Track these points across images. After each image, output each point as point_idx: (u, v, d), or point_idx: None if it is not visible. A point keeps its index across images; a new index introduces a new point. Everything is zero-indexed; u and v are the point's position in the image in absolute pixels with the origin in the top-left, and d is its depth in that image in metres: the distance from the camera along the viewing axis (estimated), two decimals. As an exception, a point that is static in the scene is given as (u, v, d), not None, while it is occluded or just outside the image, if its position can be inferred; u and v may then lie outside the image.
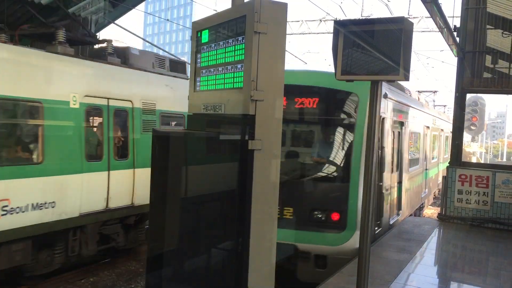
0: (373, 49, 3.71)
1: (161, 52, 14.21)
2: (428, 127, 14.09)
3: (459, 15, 11.23)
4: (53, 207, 8.02)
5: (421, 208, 13.98)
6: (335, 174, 7.59)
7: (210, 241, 3.37)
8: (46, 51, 8.36)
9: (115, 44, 10.44)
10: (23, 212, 7.52)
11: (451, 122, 11.68)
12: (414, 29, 3.87)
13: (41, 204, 7.82)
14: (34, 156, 7.87)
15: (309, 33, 25.38)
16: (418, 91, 19.45)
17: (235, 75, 3.02)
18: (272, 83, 2.90)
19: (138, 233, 10.53)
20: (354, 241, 6.86)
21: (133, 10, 15.75)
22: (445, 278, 7.00)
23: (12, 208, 7.35)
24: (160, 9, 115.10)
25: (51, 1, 11.02)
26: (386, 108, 8.27)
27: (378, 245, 8.04)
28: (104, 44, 10.05)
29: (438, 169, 17.53)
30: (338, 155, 7.63)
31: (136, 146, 9.92)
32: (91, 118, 9.24)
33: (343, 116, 7.64)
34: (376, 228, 8.04)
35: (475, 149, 32.03)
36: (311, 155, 8.04)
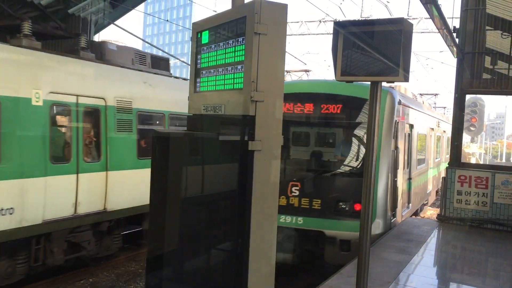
0: (373, 50, 3.72)
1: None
2: (432, 129, 15.19)
3: (459, 16, 11.26)
4: (11, 213, 7.36)
5: (425, 204, 14.86)
6: (356, 170, 8.43)
7: (210, 242, 3.38)
8: (10, 44, 7.82)
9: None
10: None
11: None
12: (413, 30, 3.87)
13: None
14: None
15: (309, 34, 25.40)
16: (420, 94, 19.91)
17: (235, 76, 3.02)
18: (272, 84, 2.90)
19: (113, 240, 9.84)
20: (374, 228, 8.08)
21: (133, 10, 15.76)
22: (444, 279, 7.00)
23: None
24: (159, 10, 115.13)
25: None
26: (399, 113, 9.27)
27: (378, 246, 8.04)
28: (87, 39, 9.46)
29: (441, 168, 18.02)
30: (359, 154, 8.53)
31: (109, 147, 9.20)
32: (58, 116, 8.50)
33: (362, 120, 8.45)
34: (391, 218, 8.98)
35: (474, 150, 32.07)
36: (336, 154, 9.08)
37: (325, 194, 8.36)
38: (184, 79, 13.82)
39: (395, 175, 8.89)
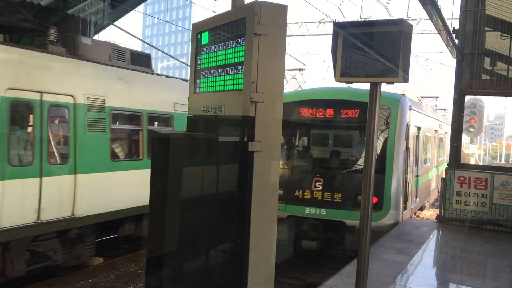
0: (372, 51, 3.72)
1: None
2: (436, 131, 16.39)
3: (458, 17, 11.27)
4: None
5: (428, 201, 15.90)
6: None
7: (210, 243, 3.38)
8: None
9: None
10: None
11: (453, 125, 12.39)
12: (413, 31, 3.88)
13: None
14: None
15: (308, 35, 25.41)
16: (422, 97, 20.40)
17: (235, 77, 3.02)
18: (272, 85, 2.90)
19: (85, 248, 9.12)
20: (388, 218, 9.25)
21: (132, 11, 15.76)
22: (443, 280, 7.00)
23: None
24: (159, 11, 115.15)
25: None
26: (410, 117, 10.28)
27: (377, 247, 8.05)
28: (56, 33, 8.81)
29: (443, 167, 18.59)
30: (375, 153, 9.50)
31: (78, 148, 8.54)
32: (18, 115, 7.88)
33: (378, 123, 9.04)
34: (403, 209, 9.93)
35: (473, 151, 32.09)
36: (354, 153, 10.56)
37: (346, 188, 9.50)
38: (167, 76, 13.58)
39: (406, 172, 9.94)
